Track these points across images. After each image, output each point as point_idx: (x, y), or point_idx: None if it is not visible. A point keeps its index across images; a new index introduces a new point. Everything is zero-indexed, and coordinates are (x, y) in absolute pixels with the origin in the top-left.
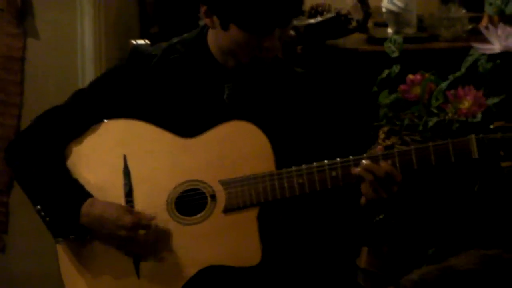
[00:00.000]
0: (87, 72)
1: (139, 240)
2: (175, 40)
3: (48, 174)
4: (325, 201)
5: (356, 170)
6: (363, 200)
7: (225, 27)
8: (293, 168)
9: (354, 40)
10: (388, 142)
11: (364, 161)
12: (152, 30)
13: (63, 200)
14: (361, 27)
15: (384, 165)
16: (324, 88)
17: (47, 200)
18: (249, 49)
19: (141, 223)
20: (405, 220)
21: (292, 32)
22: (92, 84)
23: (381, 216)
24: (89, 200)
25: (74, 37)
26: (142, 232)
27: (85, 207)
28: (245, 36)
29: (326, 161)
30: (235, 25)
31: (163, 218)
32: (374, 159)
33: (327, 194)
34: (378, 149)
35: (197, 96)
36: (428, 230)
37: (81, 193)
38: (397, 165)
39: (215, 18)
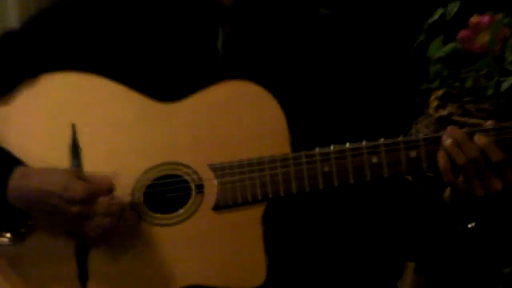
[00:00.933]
0: (8, 6)
1: (95, 226)
2: None
3: None
4: (361, 198)
5: (448, 141)
6: (446, 194)
7: None
8: (317, 150)
9: None
10: (444, 112)
11: (456, 133)
12: None
13: None
14: None
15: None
16: (357, 36)
17: None
18: None
19: (99, 190)
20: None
21: None
22: (28, 24)
23: (471, 224)
24: (19, 170)
25: None
26: (100, 206)
27: (15, 180)
28: None
29: (364, 142)
30: None
31: (127, 215)
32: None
33: (364, 189)
34: (488, 124)
35: (180, 44)
36: (504, 244)
37: (7, 160)
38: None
39: None
